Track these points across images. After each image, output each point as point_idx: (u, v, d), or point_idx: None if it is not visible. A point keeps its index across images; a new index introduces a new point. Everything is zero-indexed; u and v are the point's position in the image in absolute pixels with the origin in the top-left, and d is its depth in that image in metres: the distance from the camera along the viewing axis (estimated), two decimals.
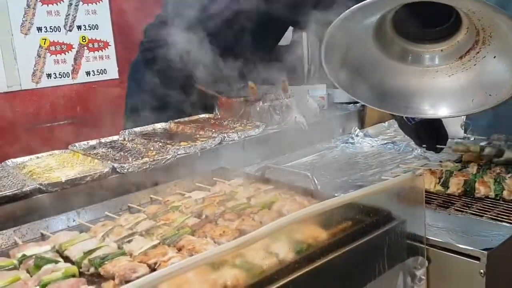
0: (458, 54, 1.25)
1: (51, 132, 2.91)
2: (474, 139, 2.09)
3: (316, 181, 1.39)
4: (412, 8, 1.17)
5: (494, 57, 1.17)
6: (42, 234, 1.23)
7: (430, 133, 1.79)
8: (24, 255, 1.04)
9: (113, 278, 0.95)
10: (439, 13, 1.19)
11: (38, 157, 1.65)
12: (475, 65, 1.23)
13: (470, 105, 1.24)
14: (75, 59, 3.01)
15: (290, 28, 2.85)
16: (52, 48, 2.94)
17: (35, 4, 2.84)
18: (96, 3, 3.05)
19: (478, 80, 1.22)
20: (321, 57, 1.25)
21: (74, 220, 1.30)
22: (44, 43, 2.90)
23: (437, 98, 1.29)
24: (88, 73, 3.07)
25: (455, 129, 2.13)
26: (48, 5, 2.89)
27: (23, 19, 2.82)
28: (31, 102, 2.87)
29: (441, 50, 1.28)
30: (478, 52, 1.20)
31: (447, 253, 1.14)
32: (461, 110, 1.28)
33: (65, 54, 2.98)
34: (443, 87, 1.28)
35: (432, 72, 1.30)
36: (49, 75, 2.93)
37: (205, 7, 2.13)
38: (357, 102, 2.32)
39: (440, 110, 1.30)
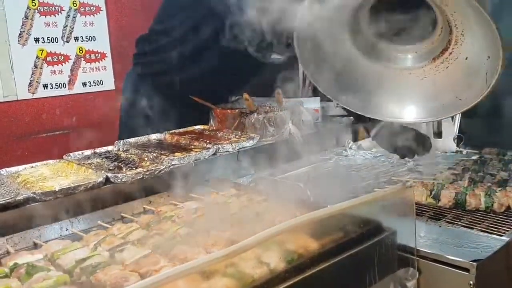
0: (432, 56, 1.25)
1: (47, 142, 2.92)
2: (467, 152, 2.12)
3: (309, 192, 1.40)
4: (387, 6, 1.19)
5: (466, 58, 1.18)
6: (35, 243, 1.24)
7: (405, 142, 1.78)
8: (15, 264, 1.05)
9: (105, 287, 0.96)
10: (415, 12, 1.21)
11: (32, 167, 1.65)
12: (447, 67, 1.23)
13: (440, 110, 1.24)
14: (71, 70, 3.03)
15: None
16: (49, 59, 2.96)
17: (33, 15, 2.87)
18: (93, 15, 3.08)
19: (449, 83, 1.23)
20: (295, 48, 1.25)
21: (67, 229, 1.30)
22: (41, 54, 2.92)
23: (408, 101, 1.29)
24: (84, 84, 3.09)
25: (447, 142, 2.15)
26: (46, 16, 2.92)
27: (21, 30, 2.84)
28: (27, 112, 2.88)
29: (415, 52, 1.28)
30: (450, 53, 1.21)
31: (438, 264, 1.15)
32: (431, 115, 1.27)
33: (62, 65, 3.00)
34: (415, 90, 1.28)
35: (405, 74, 1.30)
36: (45, 86, 2.95)
37: (196, 20, 2.15)
38: (350, 115, 2.34)
39: (409, 114, 1.30)
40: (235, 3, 1.74)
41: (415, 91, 1.28)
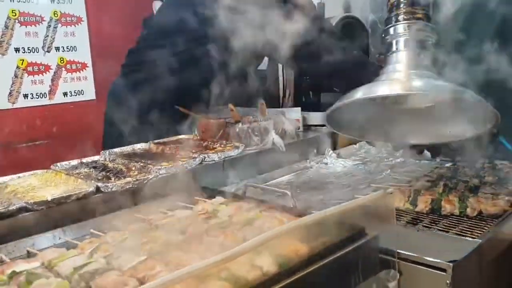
0: None
1: (28, 153, 2.91)
2: (441, 160, 2.22)
3: (294, 199, 1.46)
4: None
5: None
6: (28, 252, 1.26)
7: None
8: (14, 271, 1.07)
9: None
10: None
11: (19, 177, 1.67)
12: None
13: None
14: (52, 80, 3.03)
15: None
16: (30, 68, 2.95)
17: (13, 25, 2.87)
18: (75, 25, 3.10)
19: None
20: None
21: (60, 238, 1.33)
22: (22, 64, 2.92)
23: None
24: (65, 94, 3.09)
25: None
26: (26, 26, 2.92)
27: (1, 40, 2.83)
28: (7, 122, 2.87)
29: None
30: None
31: (417, 265, 1.23)
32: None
33: (42, 75, 3.00)
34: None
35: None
36: (26, 96, 2.94)
37: (185, 30, 2.21)
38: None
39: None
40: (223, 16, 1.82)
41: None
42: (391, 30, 1.59)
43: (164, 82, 2.30)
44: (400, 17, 1.57)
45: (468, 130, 1.61)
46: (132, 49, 2.56)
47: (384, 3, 1.81)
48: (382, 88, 1.52)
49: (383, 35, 1.64)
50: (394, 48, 1.59)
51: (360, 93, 1.50)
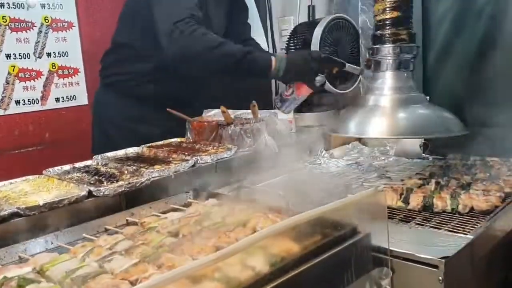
0: None
1: (20, 159, 2.89)
2: (432, 159, 2.23)
3: (287, 200, 1.47)
4: None
5: None
6: (20, 257, 1.25)
7: None
8: (5, 277, 1.07)
9: None
10: None
11: (11, 183, 1.65)
12: None
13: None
14: (44, 86, 3.01)
15: None
16: (21, 75, 2.93)
17: (4, 31, 2.85)
18: (66, 31, 3.08)
19: None
20: None
21: (52, 243, 1.32)
22: (13, 70, 2.90)
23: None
24: (57, 99, 3.07)
25: (414, 148, 2.27)
26: (17, 33, 2.90)
27: None
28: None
29: None
30: None
31: (409, 263, 1.23)
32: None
33: (34, 81, 2.98)
34: None
35: None
36: (17, 102, 2.92)
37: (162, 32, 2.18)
38: (323, 125, 2.44)
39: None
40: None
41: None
42: (376, 50, 1.81)
43: (145, 84, 2.29)
44: (385, 38, 1.77)
45: None
46: (107, 50, 2.55)
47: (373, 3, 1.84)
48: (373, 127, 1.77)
49: (370, 52, 1.86)
50: (380, 68, 1.81)
51: (353, 130, 1.81)
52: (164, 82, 2.32)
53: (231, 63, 2.09)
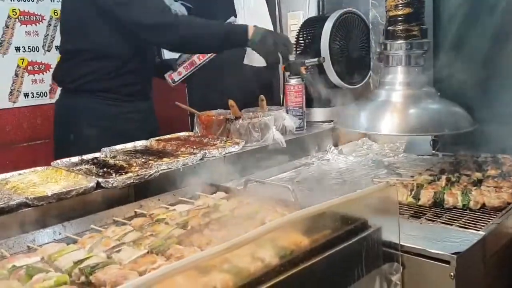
0: None
1: (28, 152, 2.90)
2: (443, 155, 2.21)
3: (296, 194, 1.45)
4: None
5: None
6: (29, 247, 1.25)
7: None
8: (14, 266, 1.06)
9: (105, 286, 0.99)
10: None
11: (20, 174, 1.66)
12: None
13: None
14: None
15: None
16: (30, 68, 2.95)
17: (13, 24, 2.86)
18: None
19: None
20: None
21: (60, 233, 1.32)
22: (22, 63, 2.91)
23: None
24: None
25: (424, 145, 2.25)
26: (27, 26, 2.91)
27: (1, 39, 2.83)
28: (7, 121, 2.86)
29: None
30: None
31: (420, 258, 1.22)
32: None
33: (43, 74, 2.99)
34: None
35: None
36: (26, 95, 2.93)
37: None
38: (332, 121, 2.42)
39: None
40: None
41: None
42: (389, 46, 1.80)
43: (106, 81, 2.26)
44: (397, 34, 1.77)
45: None
46: (59, 62, 2.48)
47: None
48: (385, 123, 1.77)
49: (382, 47, 1.85)
50: (392, 63, 1.81)
51: (364, 126, 1.82)
52: (128, 75, 2.31)
53: (220, 38, 2.24)
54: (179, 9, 3.13)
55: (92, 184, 1.48)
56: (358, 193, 1.20)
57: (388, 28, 1.80)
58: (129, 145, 2.01)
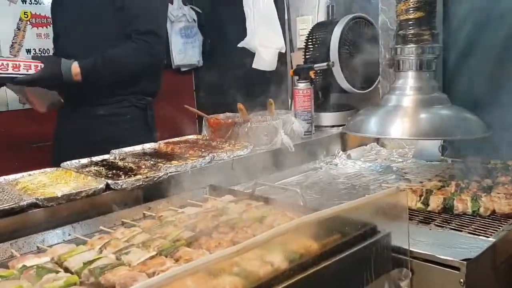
0: None
1: (38, 152, 2.91)
2: (452, 161, 2.20)
3: (304, 198, 1.45)
4: None
5: None
6: (38, 248, 1.26)
7: None
8: (24, 266, 1.07)
9: (114, 287, 0.99)
10: None
11: (30, 174, 1.67)
12: None
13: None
14: None
15: (276, 53, 2.97)
16: None
17: (25, 27, 2.89)
18: None
19: None
20: None
21: (69, 234, 1.33)
22: None
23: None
24: None
25: (433, 151, 2.24)
26: (38, 28, 2.94)
27: (13, 41, 2.86)
28: (17, 123, 2.89)
29: None
30: None
31: (430, 264, 1.21)
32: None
33: None
34: None
35: None
36: None
37: None
38: (340, 126, 2.42)
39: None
40: None
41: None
42: (399, 50, 1.77)
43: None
44: (408, 38, 1.75)
45: None
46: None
47: (394, 3, 1.82)
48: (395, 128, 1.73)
49: (392, 52, 1.83)
50: (402, 68, 1.79)
51: (374, 130, 1.77)
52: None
53: None
54: (189, 13, 3.16)
55: (102, 185, 1.49)
56: (368, 198, 1.20)
57: (399, 32, 1.78)
58: (138, 148, 2.03)
